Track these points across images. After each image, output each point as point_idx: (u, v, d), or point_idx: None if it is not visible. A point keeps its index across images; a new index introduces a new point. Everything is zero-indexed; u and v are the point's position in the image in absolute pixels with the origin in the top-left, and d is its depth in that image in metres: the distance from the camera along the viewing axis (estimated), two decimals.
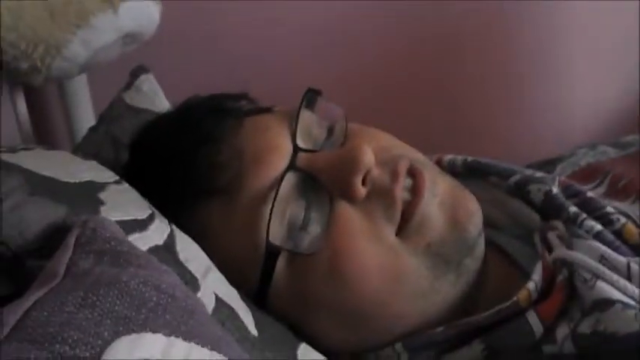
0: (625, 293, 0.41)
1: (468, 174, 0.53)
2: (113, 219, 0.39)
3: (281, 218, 0.45)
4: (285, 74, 0.80)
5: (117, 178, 0.47)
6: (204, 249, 0.45)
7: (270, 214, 0.44)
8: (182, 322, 0.30)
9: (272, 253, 0.45)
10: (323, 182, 0.45)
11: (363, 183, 0.45)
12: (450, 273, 0.45)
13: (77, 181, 0.42)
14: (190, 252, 0.43)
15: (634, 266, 0.43)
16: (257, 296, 0.46)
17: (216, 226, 0.46)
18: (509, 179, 0.52)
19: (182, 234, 0.45)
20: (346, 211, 0.45)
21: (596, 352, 0.40)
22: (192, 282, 0.40)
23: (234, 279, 0.44)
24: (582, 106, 0.88)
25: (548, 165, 0.58)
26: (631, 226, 0.46)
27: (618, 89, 0.88)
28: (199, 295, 0.39)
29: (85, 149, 0.63)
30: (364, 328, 0.46)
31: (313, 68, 0.81)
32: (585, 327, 0.41)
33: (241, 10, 0.84)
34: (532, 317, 0.43)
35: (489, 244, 0.50)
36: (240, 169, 0.46)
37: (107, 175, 0.46)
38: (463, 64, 0.85)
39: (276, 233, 0.44)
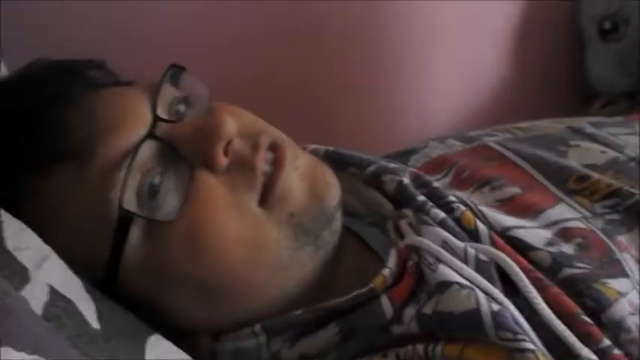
0: (462, 275, 0.43)
1: (329, 164, 0.52)
2: None
3: (136, 186, 0.41)
4: (147, 53, 0.73)
5: None
6: (47, 226, 0.39)
7: (126, 178, 0.40)
8: None
9: (125, 219, 0.41)
10: (183, 151, 0.42)
11: (225, 153, 0.43)
12: (310, 245, 0.45)
13: None
14: (22, 239, 0.37)
15: (470, 250, 0.45)
16: (107, 275, 0.41)
17: (61, 199, 0.41)
18: (366, 170, 0.52)
19: (13, 219, 0.38)
20: (207, 181, 0.42)
21: (436, 330, 0.41)
22: (20, 273, 0.34)
23: (81, 260, 0.39)
24: (440, 105, 0.90)
25: (403, 156, 0.59)
26: (468, 214, 0.48)
27: (472, 91, 0.91)
28: (29, 287, 0.34)
29: None
30: (223, 302, 0.44)
31: (174, 50, 0.75)
32: (428, 308, 0.42)
33: None
34: (385, 301, 0.43)
35: (347, 230, 0.49)
36: (91, 133, 0.41)
37: None
38: (326, 61, 0.83)
39: (131, 200, 0.41)
